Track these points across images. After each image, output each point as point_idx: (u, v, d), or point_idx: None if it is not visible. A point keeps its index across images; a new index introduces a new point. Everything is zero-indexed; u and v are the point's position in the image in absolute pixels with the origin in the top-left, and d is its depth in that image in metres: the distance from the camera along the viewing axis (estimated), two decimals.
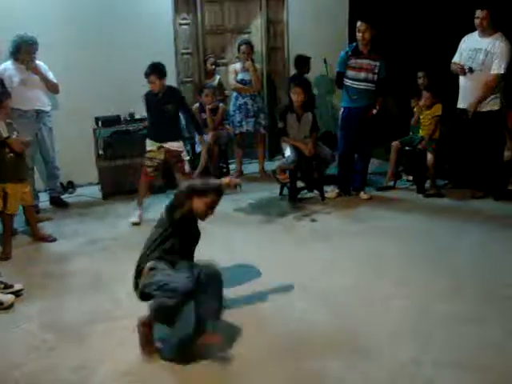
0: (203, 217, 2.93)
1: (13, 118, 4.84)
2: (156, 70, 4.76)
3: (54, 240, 4.60)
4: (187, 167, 5.02)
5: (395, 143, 5.76)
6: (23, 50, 5.01)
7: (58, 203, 5.57)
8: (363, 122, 5.37)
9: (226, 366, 2.73)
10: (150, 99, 4.93)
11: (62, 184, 5.85)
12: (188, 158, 5.10)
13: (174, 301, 2.65)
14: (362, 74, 5.27)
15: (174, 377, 2.71)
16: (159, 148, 4.90)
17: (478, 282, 3.61)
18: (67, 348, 2.99)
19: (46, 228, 4.82)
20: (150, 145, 4.94)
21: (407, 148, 5.79)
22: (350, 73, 5.31)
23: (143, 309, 2.85)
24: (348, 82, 5.34)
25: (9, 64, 5.11)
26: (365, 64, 5.26)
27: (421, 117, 5.67)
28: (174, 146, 4.92)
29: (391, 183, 5.88)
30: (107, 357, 2.87)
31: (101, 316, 3.31)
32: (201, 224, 3.03)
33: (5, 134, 4.21)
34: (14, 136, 4.29)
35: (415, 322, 3.14)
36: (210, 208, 2.91)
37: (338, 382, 2.63)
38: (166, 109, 4.88)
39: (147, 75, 4.78)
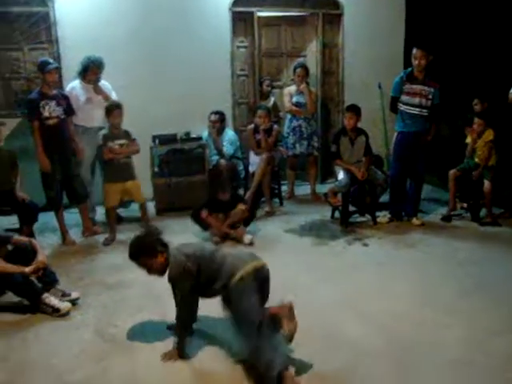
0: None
1: (77, 133, 5.10)
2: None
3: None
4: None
5: (453, 172, 5.59)
6: (90, 71, 5.26)
7: None
8: (416, 147, 5.33)
9: None
10: (216, 203, 5.07)
11: None
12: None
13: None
14: (416, 100, 5.23)
15: None
16: None
17: None
18: (116, 358, 3.07)
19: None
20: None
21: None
22: (404, 98, 5.28)
23: None
24: (402, 107, 5.32)
25: (77, 83, 5.37)
26: (419, 90, 5.22)
27: (475, 146, 5.50)
28: None
29: (456, 212, 5.73)
30: (154, 370, 2.94)
31: (150, 329, 3.39)
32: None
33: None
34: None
35: (472, 355, 3.03)
36: None
37: None
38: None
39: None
